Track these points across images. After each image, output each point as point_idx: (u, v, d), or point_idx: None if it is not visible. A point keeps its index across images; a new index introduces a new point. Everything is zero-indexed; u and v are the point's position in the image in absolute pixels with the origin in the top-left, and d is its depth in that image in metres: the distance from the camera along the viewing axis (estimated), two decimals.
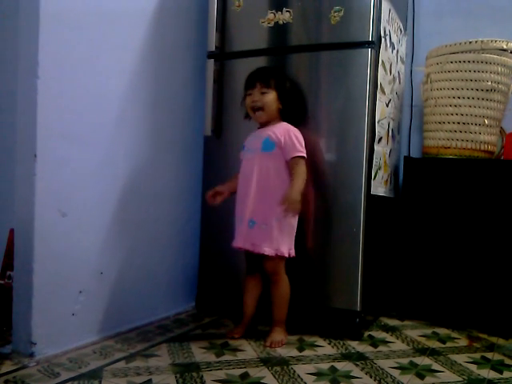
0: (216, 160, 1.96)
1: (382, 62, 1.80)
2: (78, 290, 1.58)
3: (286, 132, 1.66)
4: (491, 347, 1.73)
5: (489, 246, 1.88)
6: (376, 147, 1.79)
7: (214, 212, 1.97)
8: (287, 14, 1.82)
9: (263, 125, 1.73)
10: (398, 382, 1.39)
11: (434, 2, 2.33)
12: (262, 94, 1.67)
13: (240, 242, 1.66)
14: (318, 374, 1.43)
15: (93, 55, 1.59)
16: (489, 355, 1.64)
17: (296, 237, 1.69)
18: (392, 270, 2.09)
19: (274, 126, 1.69)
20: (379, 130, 1.81)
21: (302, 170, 1.63)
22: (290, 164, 1.65)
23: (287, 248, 1.65)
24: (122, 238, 1.75)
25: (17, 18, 1.48)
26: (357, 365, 1.51)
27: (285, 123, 1.70)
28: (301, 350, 1.64)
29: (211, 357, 1.54)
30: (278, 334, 1.68)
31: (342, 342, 1.72)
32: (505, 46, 1.93)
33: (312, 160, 1.75)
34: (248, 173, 1.67)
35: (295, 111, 1.75)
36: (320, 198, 1.77)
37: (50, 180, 1.47)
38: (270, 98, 1.68)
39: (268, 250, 1.62)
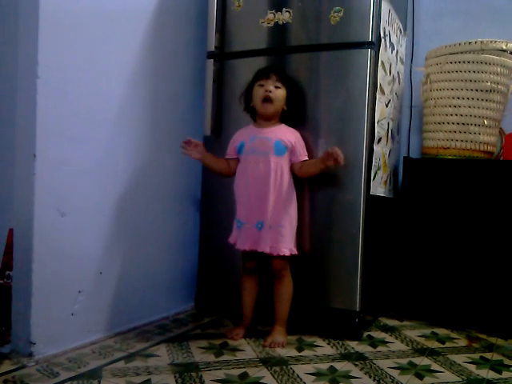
0: None
1: (382, 62, 1.80)
2: (77, 289, 1.58)
3: (295, 137, 1.71)
4: (490, 347, 1.73)
5: (488, 246, 1.88)
6: (375, 147, 1.79)
7: (213, 212, 1.97)
8: (287, 14, 1.82)
9: (261, 122, 1.72)
10: (397, 382, 1.39)
11: (433, 2, 2.34)
12: (276, 87, 1.68)
13: (247, 244, 1.67)
14: (318, 374, 1.43)
15: (92, 55, 1.59)
16: (488, 355, 1.64)
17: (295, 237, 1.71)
18: (391, 271, 2.09)
19: (278, 128, 1.71)
20: (379, 131, 1.82)
21: None
22: (297, 164, 1.69)
23: (295, 246, 1.69)
24: (122, 238, 1.75)
25: (16, 17, 1.48)
26: (356, 365, 1.51)
27: (286, 126, 1.73)
28: (300, 350, 1.64)
29: (210, 357, 1.54)
30: (280, 335, 1.68)
31: (341, 342, 1.72)
32: (504, 47, 1.93)
33: None
34: (260, 175, 1.66)
35: (296, 115, 1.75)
36: (319, 199, 1.77)
37: (49, 180, 1.48)
38: (281, 93, 1.69)
39: (286, 251, 1.65)
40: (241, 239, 1.68)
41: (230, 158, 1.77)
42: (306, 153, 1.71)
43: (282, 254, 1.65)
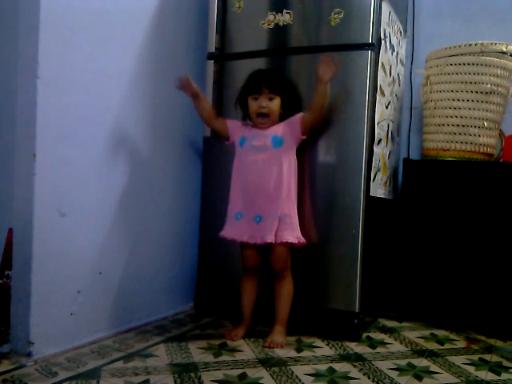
0: (215, 160, 1.96)
1: (382, 64, 1.80)
2: (76, 289, 1.58)
3: (283, 123, 1.70)
4: (489, 349, 1.73)
5: (488, 248, 1.88)
6: (375, 149, 1.79)
7: (213, 212, 1.97)
8: (287, 16, 1.82)
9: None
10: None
11: (434, 4, 2.34)
12: (270, 99, 1.67)
13: (245, 236, 1.67)
14: (316, 375, 1.43)
15: (93, 55, 1.60)
16: (487, 357, 1.64)
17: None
18: (391, 272, 2.09)
19: (276, 127, 1.71)
20: (378, 132, 1.82)
21: None
22: (304, 118, 1.67)
23: (301, 236, 1.68)
24: (121, 238, 1.75)
25: (17, 17, 1.48)
26: (355, 366, 1.51)
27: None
28: (299, 350, 1.64)
29: (209, 357, 1.54)
30: (279, 336, 1.68)
31: (340, 343, 1.72)
32: (504, 49, 1.93)
33: (311, 161, 1.77)
34: (260, 170, 1.66)
35: (293, 114, 1.75)
36: (319, 200, 1.78)
37: (49, 179, 1.48)
38: (276, 104, 1.68)
39: (290, 238, 1.64)
40: (238, 232, 1.68)
41: (227, 128, 1.77)
42: (300, 112, 1.69)
43: (285, 240, 1.63)
